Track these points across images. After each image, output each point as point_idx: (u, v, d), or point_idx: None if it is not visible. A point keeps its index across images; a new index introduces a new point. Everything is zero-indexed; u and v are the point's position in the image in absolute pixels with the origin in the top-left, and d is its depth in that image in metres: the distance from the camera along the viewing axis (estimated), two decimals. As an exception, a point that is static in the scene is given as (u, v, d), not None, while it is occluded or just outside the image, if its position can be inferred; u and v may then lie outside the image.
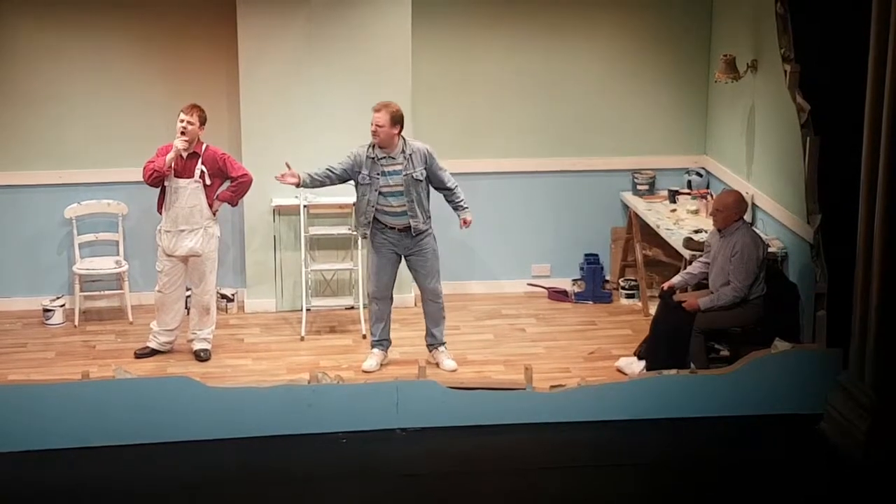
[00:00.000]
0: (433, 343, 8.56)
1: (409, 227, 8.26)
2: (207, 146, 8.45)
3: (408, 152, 8.22)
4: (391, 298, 8.51)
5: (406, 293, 9.32)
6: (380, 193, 8.21)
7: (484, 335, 9.13)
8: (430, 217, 8.36)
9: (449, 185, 8.37)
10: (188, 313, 8.77)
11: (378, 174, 8.20)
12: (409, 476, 6.67)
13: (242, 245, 9.54)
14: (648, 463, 6.84)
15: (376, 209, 8.23)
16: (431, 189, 8.38)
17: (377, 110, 8.15)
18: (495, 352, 8.81)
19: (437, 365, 8.43)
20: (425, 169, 8.25)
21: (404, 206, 8.22)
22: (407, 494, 6.50)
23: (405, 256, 8.41)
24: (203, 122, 8.40)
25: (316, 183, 8.33)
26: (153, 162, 8.38)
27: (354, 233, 9.19)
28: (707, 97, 9.87)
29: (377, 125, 8.15)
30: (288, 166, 8.29)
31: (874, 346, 6.75)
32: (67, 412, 6.90)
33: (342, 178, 8.33)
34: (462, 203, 8.41)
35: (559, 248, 9.99)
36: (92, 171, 9.38)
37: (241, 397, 7.09)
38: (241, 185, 8.59)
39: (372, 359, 8.48)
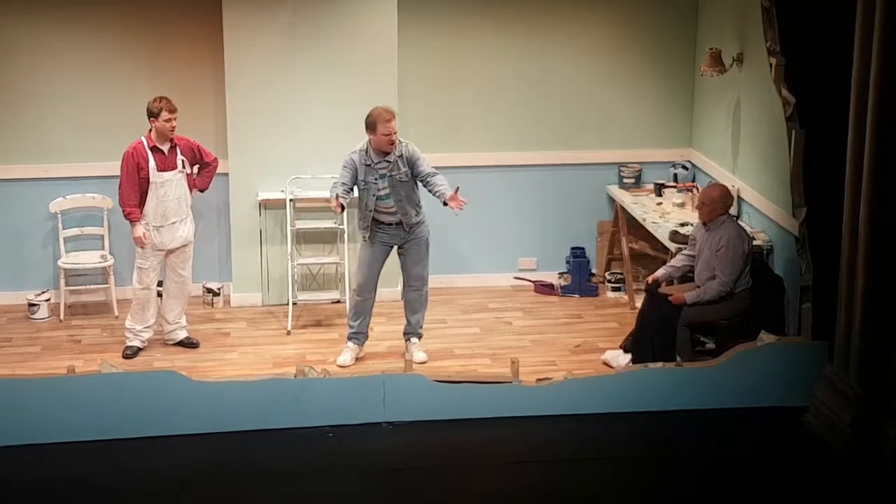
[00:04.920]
0: (409, 332, 8.54)
1: (402, 222, 8.26)
2: (176, 136, 8.46)
3: (397, 154, 8.19)
4: (374, 293, 8.49)
5: (393, 287, 9.30)
6: (377, 198, 8.21)
7: (470, 329, 9.13)
8: (421, 207, 8.35)
9: (432, 175, 8.18)
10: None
11: (374, 179, 8.18)
12: (396, 470, 6.66)
13: (228, 239, 9.52)
14: (635, 456, 6.85)
15: (374, 211, 8.24)
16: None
17: (391, 119, 8.06)
18: (482, 345, 8.81)
19: (404, 355, 8.32)
20: (410, 169, 8.21)
21: (394, 207, 8.23)
22: (393, 488, 6.49)
23: (398, 246, 8.41)
24: None
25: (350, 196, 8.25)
26: (130, 207, 8.35)
27: (341, 226, 9.20)
28: (693, 91, 9.88)
29: (394, 132, 8.11)
30: (336, 200, 8.15)
31: (859, 338, 6.76)
32: (53, 407, 6.88)
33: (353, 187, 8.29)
34: (445, 190, 8.15)
35: (545, 242, 10.00)
36: (77, 165, 9.36)
37: (228, 391, 7.08)
38: (213, 170, 8.68)
39: (347, 353, 8.45)
